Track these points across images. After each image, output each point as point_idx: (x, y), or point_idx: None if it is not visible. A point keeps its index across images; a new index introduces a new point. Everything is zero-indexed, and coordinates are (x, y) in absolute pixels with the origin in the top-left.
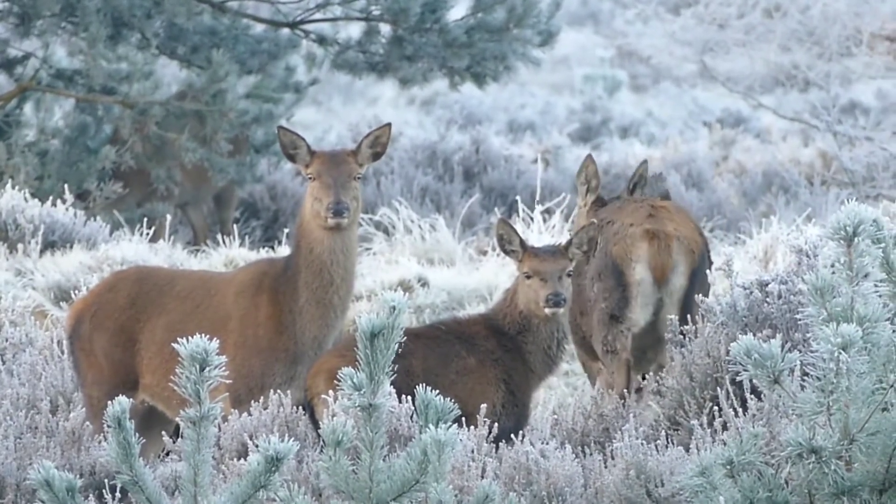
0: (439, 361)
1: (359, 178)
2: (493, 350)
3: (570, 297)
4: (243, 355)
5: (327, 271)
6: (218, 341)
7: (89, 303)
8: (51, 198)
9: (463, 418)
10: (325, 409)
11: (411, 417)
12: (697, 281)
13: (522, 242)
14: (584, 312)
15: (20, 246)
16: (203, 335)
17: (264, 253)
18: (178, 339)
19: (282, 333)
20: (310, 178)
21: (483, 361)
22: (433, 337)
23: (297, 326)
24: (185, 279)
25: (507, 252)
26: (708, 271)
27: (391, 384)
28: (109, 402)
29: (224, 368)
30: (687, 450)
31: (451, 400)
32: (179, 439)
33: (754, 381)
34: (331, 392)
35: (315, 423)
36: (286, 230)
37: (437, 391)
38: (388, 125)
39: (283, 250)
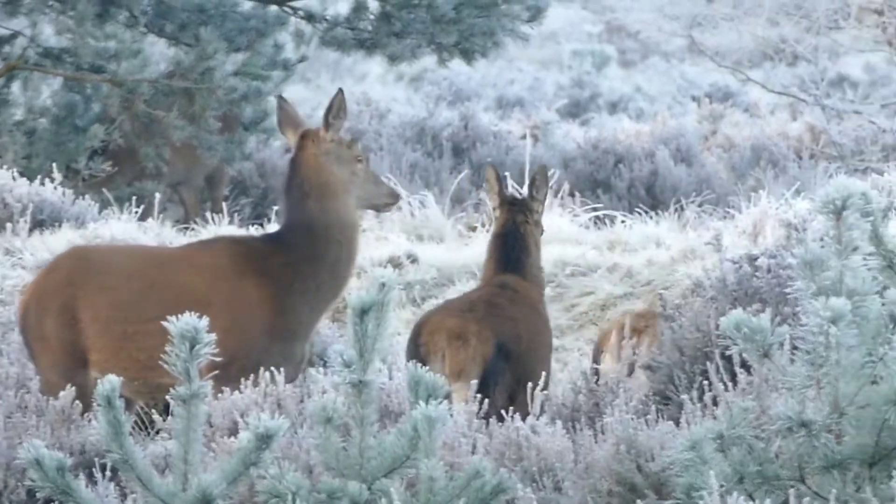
0: (532, 335)
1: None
2: (547, 318)
3: None
4: (237, 338)
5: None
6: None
7: (32, 290)
8: (39, 177)
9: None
10: (441, 367)
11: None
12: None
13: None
14: None
15: (9, 225)
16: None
17: (254, 230)
18: (135, 320)
19: (281, 315)
20: None
21: (547, 326)
22: (520, 303)
23: (298, 308)
24: (126, 256)
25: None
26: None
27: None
28: (68, 384)
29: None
30: (677, 424)
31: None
32: (170, 417)
33: (744, 355)
34: (449, 351)
35: None
36: (275, 207)
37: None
38: (340, 91)
39: (272, 227)
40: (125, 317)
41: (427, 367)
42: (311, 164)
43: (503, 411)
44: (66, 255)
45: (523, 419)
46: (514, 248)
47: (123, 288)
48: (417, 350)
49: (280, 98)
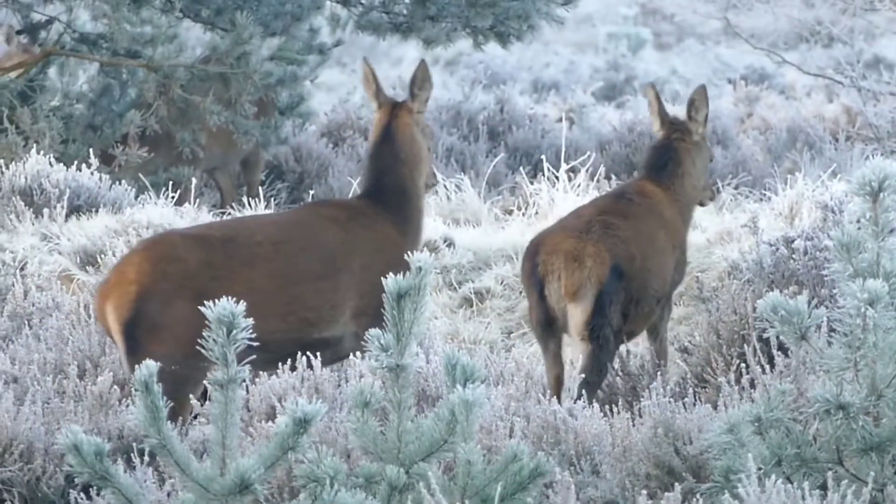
0: (648, 252)
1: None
2: (674, 219)
3: None
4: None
5: None
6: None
7: (146, 284)
8: (76, 162)
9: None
10: (558, 287)
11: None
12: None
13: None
14: None
15: (45, 210)
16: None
17: None
18: (299, 281)
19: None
20: None
21: (672, 232)
22: (634, 216)
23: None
24: (253, 230)
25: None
26: None
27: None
28: (188, 374)
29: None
30: (715, 407)
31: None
32: (207, 402)
33: (781, 337)
34: (565, 272)
35: (543, 302)
36: (311, 192)
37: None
38: (423, 61)
39: None
40: (289, 282)
41: (543, 286)
42: (406, 133)
43: (540, 395)
44: (179, 242)
45: (656, 343)
46: (662, 156)
47: (278, 257)
48: (534, 269)
49: (364, 59)
